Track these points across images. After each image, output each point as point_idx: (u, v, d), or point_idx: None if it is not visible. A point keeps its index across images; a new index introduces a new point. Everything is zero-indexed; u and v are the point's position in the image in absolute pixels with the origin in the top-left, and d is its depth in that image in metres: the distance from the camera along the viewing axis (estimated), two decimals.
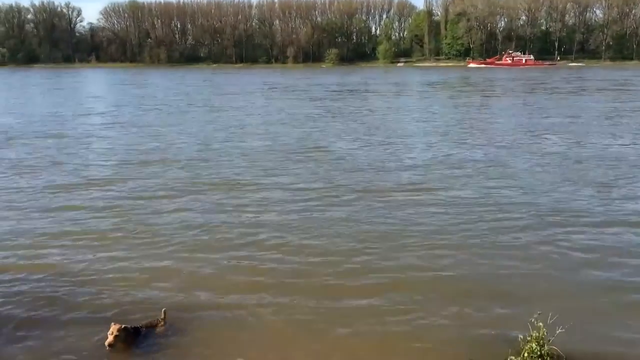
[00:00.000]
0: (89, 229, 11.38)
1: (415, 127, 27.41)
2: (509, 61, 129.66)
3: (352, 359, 6.70)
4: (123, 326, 6.79)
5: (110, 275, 9.04)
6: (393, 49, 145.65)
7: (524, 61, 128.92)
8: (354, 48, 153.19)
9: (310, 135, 24.44)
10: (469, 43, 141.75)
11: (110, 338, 6.67)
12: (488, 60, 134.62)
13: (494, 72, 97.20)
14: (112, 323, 6.87)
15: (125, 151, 20.47)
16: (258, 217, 12.19)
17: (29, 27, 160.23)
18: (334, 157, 19.17)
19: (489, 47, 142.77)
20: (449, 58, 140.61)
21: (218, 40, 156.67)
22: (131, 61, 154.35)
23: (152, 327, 7.24)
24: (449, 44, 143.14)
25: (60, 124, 29.44)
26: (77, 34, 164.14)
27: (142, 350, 6.85)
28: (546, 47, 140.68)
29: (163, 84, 69.30)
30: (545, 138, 23.15)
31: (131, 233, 11.08)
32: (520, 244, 10.27)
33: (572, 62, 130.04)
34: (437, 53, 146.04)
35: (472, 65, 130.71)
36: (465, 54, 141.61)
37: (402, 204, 12.95)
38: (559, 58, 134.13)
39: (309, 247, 10.25)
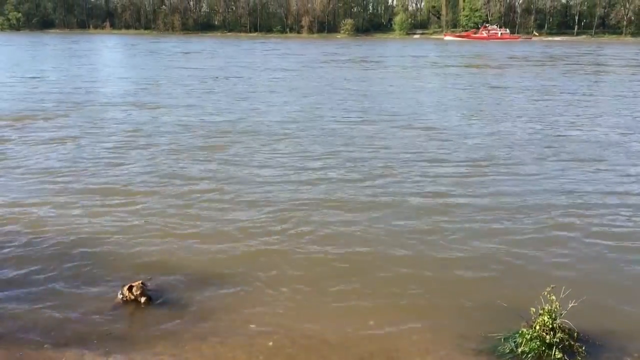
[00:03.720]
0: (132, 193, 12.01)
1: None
2: (485, 34, 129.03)
3: (362, 326, 6.88)
4: (141, 282, 7.27)
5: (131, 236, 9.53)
6: (410, 20, 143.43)
7: (499, 34, 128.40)
8: (369, 18, 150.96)
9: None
10: (487, 15, 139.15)
11: (141, 298, 7.13)
12: (464, 33, 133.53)
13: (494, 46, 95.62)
14: (127, 283, 7.27)
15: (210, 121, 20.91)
16: (312, 188, 12.45)
17: None
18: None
19: (507, 20, 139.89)
20: (466, 30, 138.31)
21: (232, 8, 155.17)
22: (145, 28, 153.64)
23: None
24: (466, 16, 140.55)
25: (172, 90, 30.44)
26: (92, 0, 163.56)
27: (159, 303, 7.31)
28: (566, 21, 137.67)
29: (221, 53, 68.05)
30: None
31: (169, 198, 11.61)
32: (538, 221, 10.44)
33: (549, 36, 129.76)
34: (454, 25, 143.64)
35: (448, 37, 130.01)
36: None
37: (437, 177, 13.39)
38: (536, 33, 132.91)
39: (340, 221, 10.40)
